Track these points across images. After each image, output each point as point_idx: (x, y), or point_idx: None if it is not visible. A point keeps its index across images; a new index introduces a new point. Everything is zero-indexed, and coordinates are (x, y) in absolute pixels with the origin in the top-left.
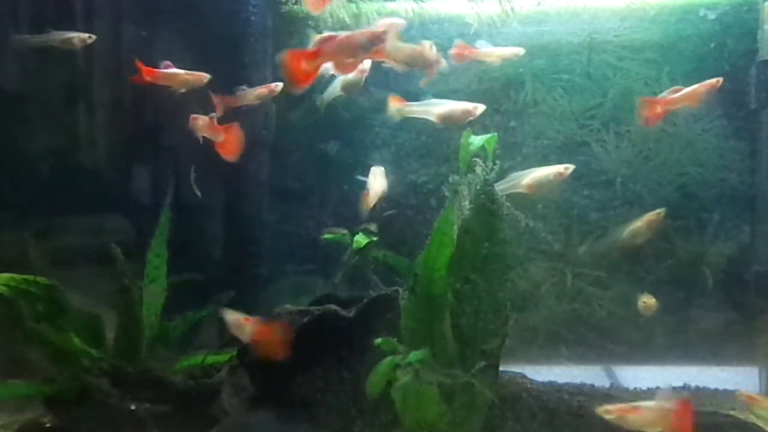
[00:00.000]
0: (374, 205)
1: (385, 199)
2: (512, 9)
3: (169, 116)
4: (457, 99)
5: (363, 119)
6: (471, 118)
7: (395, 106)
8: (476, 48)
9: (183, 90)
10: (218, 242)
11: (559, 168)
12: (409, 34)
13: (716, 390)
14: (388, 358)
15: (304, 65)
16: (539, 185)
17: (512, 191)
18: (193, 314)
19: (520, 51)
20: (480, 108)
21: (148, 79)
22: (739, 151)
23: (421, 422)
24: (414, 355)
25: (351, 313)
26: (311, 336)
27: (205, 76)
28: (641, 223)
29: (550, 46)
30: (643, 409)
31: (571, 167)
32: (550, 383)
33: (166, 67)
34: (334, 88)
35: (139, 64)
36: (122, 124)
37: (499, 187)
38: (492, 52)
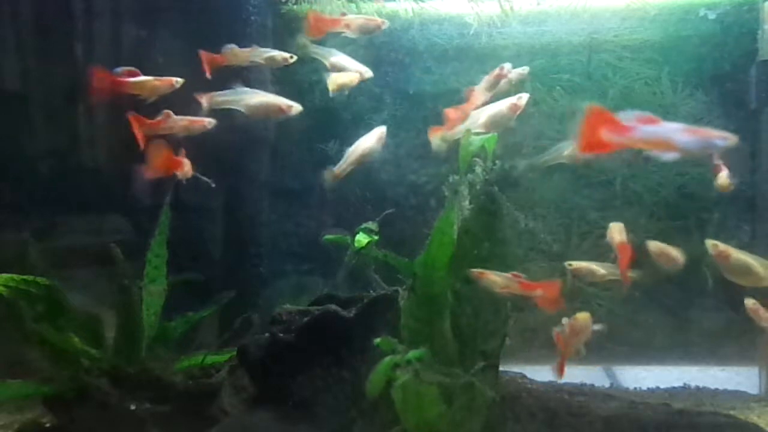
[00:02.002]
0: (353, 167)
1: (384, 196)
2: (512, 9)
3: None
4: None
5: (363, 119)
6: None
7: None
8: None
9: (153, 99)
10: (218, 242)
11: None
12: (409, 34)
13: (716, 390)
14: (388, 358)
15: (606, 134)
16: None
17: (556, 162)
18: (193, 314)
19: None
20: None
21: (111, 88)
22: (739, 151)
23: (421, 422)
24: (413, 354)
25: (351, 313)
26: (311, 336)
27: (176, 81)
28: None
29: (550, 46)
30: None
31: None
32: (550, 383)
33: (127, 75)
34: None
35: (98, 73)
36: (122, 124)
37: (544, 158)
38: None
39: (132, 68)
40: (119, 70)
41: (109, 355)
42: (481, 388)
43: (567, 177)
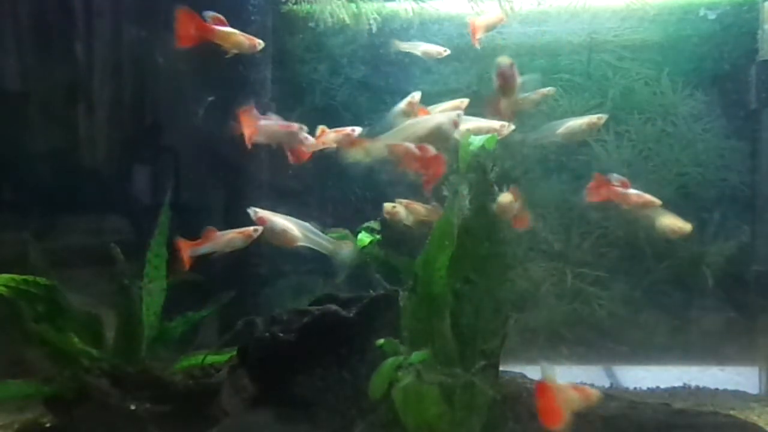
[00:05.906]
0: None
1: (385, 195)
2: (512, 9)
3: (169, 116)
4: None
5: (363, 119)
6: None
7: None
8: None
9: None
10: None
11: (592, 118)
12: (408, 34)
13: (716, 390)
14: (391, 359)
15: None
16: (572, 134)
17: (546, 140)
18: (193, 314)
19: None
20: None
21: (197, 34)
22: (739, 151)
23: (421, 422)
24: (416, 356)
25: (351, 313)
26: (311, 336)
27: (258, 43)
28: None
29: (550, 46)
30: None
31: (604, 117)
32: None
33: (215, 22)
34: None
35: (185, 15)
36: (122, 124)
37: (534, 137)
38: None
39: (220, 16)
40: (209, 14)
41: (109, 355)
42: (481, 388)
43: (567, 177)
